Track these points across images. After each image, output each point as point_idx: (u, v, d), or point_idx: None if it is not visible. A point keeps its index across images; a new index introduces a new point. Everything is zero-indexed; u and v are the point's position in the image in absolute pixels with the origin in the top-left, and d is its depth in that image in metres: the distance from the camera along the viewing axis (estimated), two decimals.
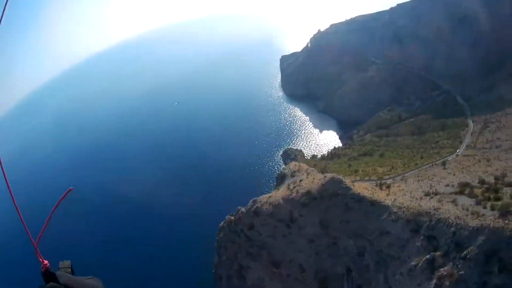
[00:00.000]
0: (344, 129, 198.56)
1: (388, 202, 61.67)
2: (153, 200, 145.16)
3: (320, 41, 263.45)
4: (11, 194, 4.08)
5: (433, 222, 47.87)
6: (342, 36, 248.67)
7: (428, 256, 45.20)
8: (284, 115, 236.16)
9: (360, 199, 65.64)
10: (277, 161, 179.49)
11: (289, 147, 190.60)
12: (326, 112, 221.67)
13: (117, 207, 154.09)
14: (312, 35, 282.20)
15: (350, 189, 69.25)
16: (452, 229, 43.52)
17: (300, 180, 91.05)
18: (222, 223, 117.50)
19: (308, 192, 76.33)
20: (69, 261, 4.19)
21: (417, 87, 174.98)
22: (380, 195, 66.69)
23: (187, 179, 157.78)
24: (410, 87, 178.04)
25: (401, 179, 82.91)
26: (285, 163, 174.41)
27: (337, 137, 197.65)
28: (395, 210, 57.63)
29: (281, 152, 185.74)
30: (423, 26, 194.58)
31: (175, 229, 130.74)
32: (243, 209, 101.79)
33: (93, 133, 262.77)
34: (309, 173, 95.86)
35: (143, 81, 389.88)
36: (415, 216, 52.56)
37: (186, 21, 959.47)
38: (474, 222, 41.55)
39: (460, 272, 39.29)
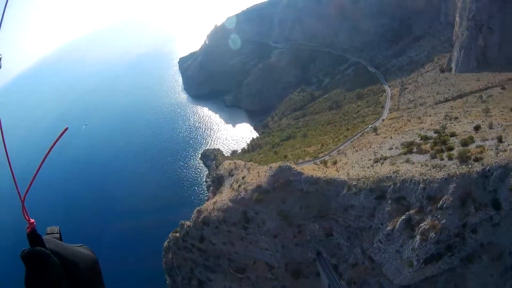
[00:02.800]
0: (256, 119, 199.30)
1: (343, 177, 62.44)
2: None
3: (217, 36, 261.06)
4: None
5: (398, 184, 49.54)
6: (240, 26, 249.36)
7: (404, 217, 46.55)
8: (193, 117, 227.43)
9: (315, 181, 65.16)
10: (197, 166, 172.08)
11: (206, 148, 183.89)
12: (235, 106, 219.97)
13: None
14: (209, 32, 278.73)
15: (302, 173, 68.49)
16: (421, 185, 45.40)
17: (243, 177, 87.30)
18: (166, 242, 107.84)
19: (259, 187, 73.12)
20: (57, 227, 3.71)
21: (323, 64, 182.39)
22: (332, 173, 67.45)
23: (112, 206, 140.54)
24: (316, 65, 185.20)
25: (338, 154, 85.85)
26: (206, 165, 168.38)
27: (251, 127, 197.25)
28: (354, 183, 58.51)
29: (199, 156, 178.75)
30: (325, 4, 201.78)
31: (115, 266, 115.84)
32: (188, 222, 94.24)
33: None
34: (250, 167, 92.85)
35: (44, 110, 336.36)
36: (377, 183, 53.94)
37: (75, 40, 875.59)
38: (440, 174, 43.92)
39: (442, 221, 41.14)
